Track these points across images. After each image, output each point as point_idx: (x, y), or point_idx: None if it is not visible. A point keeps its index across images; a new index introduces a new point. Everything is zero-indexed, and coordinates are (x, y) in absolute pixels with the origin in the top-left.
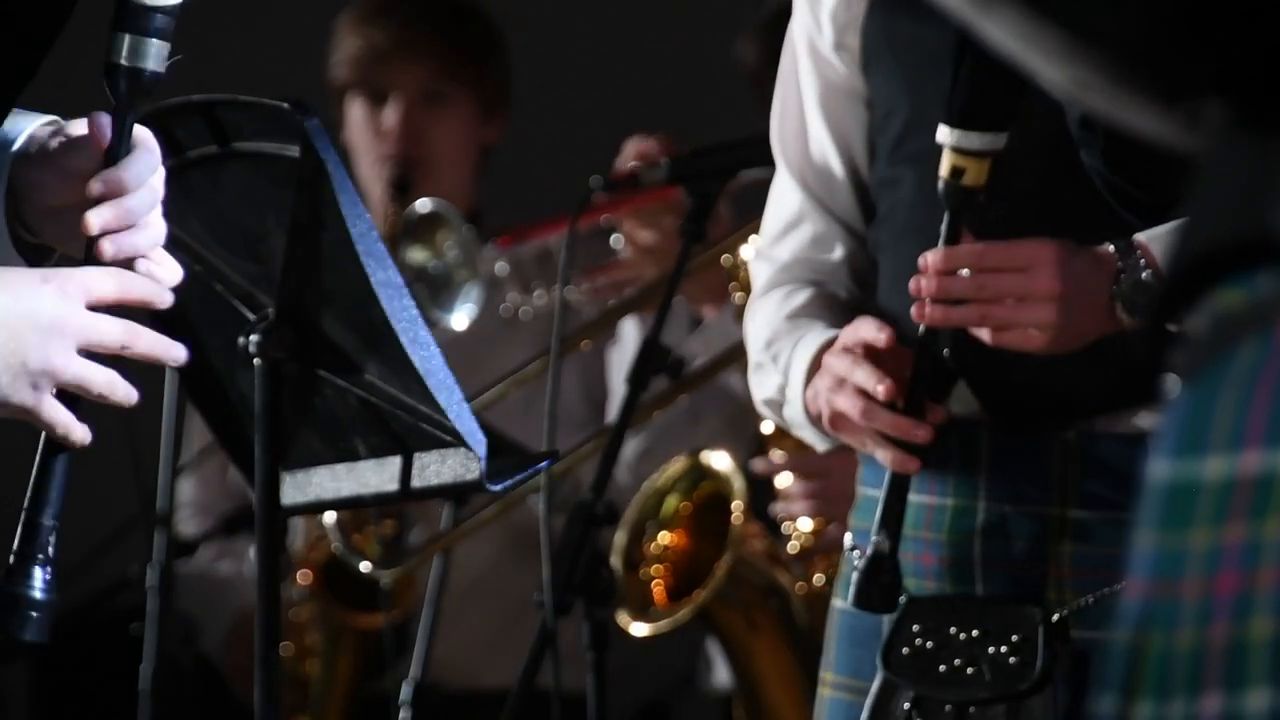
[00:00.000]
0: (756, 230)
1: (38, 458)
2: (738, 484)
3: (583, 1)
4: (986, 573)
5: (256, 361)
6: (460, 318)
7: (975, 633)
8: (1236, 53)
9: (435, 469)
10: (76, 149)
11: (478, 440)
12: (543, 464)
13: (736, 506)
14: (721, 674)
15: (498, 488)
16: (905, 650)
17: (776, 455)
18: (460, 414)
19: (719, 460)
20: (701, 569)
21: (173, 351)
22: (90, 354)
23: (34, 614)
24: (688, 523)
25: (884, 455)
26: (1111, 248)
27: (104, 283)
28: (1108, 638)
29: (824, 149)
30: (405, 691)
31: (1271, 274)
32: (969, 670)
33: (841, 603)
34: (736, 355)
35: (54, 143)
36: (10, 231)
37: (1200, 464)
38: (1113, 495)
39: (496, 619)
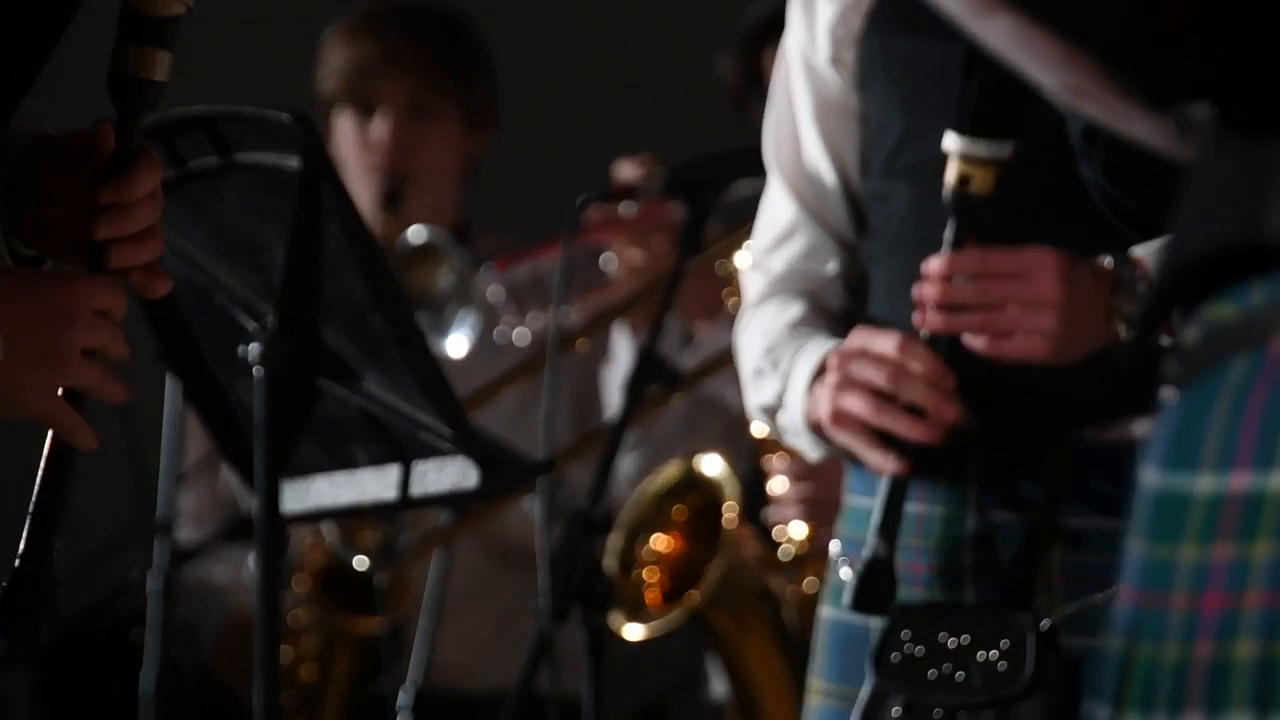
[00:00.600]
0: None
1: (43, 462)
2: (731, 488)
3: (571, 19)
4: (976, 580)
5: (257, 370)
6: (455, 343)
7: (965, 639)
8: (1223, 60)
9: (434, 477)
10: (79, 159)
11: (475, 449)
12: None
13: (729, 509)
14: (720, 686)
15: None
16: (895, 656)
17: (773, 462)
18: (457, 422)
19: (713, 464)
20: (695, 572)
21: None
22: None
23: (38, 618)
24: (682, 526)
25: (873, 457)
26: (1109, 261)
27: (105, 292)
28: (1097, 645)
29: (817, 162)
30: (403, 695)
31: (1263, 286)
32: (958, 676)
33: (830, 611)
34: (730, 360)
35: (53, 152)
36: (4, 241)
37: (1191, 479)
38: (1103, 504)
39: (491, 624)
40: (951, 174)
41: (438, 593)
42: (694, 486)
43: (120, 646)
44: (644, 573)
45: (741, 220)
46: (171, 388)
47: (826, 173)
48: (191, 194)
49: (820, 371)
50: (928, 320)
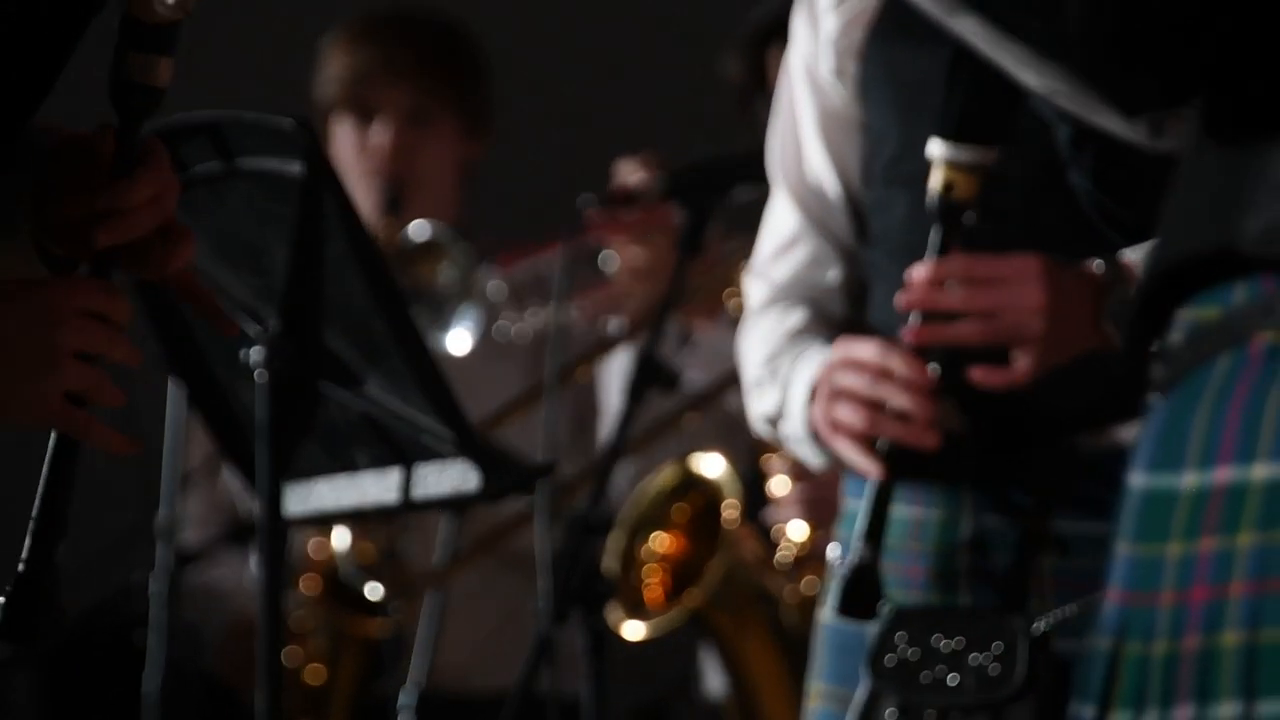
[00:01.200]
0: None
1: (45, 466)
2: (731, 488)
3: (572, 21)
4: (971, 584)
5: (259, 374)
6: (455, 340)
7: (958, 642)
8: (1199, 71)
9: (435, 480)
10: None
11: (476, 452)
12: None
13: (729, 508)
14: (715, 682)
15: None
16: (890, 659)
17: (773, 463)
18: (459, 426)
19: (713, 464)
20: (695, 572)
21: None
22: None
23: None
24: (682, 526)
25: (864, 464)
26: (1097, 264)
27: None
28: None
29: (820, 172)
30: (406, 696)
31: (1244, 288)
32: (951, 679)
33: (829, 614)
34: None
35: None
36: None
37: (1175, 478)
38: (1095, 508)
39: (493, 625)
40: (936, 180)
41: (439, 595)
42: (694, 486)
43: (124, 649)
44: (644, 572)
45: (741, 224)
46: (174, 392)
47: (829, 183)
48: (194, 199)
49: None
50: (915, 334)
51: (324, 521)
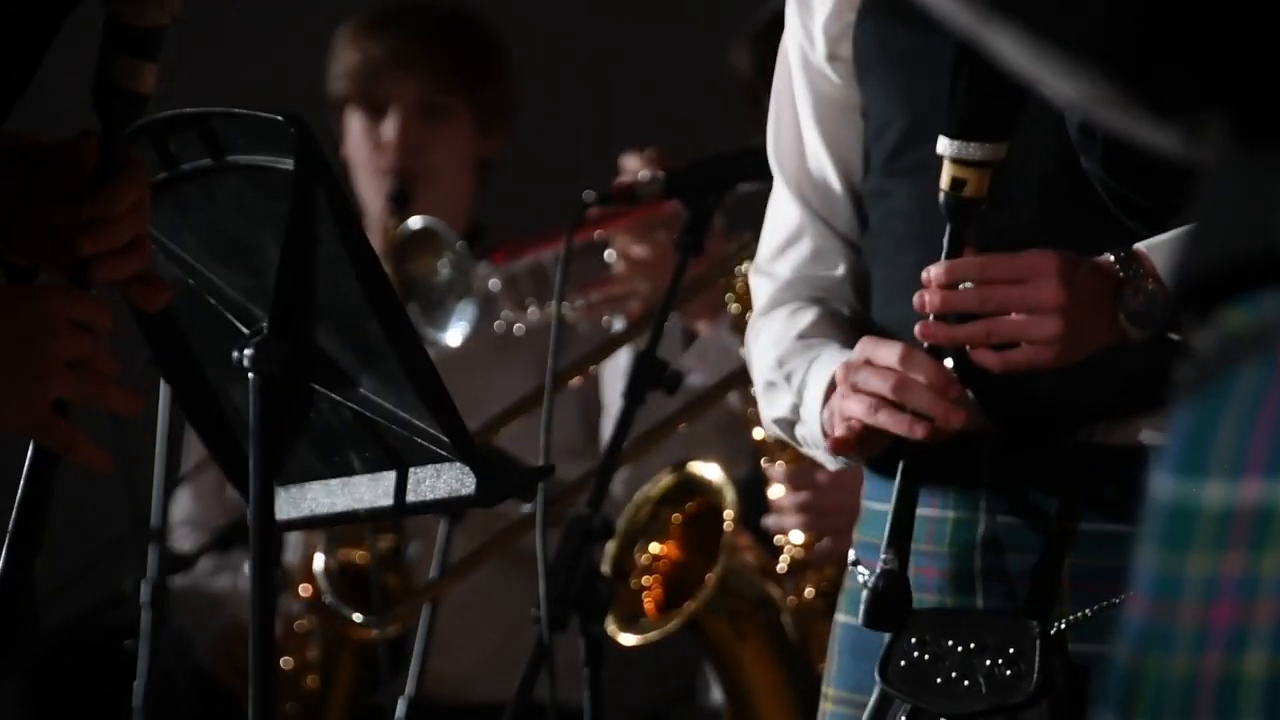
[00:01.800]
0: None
1: (23, 478)
2: (728, 495)
3: (577, 14)
4: (987, 585)
5: (251, 375)
6: (454, 335)
7: (972, 645)
8: (1232, 69)
9: (430, 484)
10: (64, 169)
11: (472, 455)
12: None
13: (727, 517)
14: (717, 690)
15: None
16: (902, 663)
17: (773, 468)
18: (454, 428)
19: (710, 471)
20: (692, 580)
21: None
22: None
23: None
24: (678, 534)
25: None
26: (1112, 258)
27: (85, 304)
28: (1106, 652)
29: (821, 163)
30: (400, 708)
31: (1275, 294)
32: (965, 683)
33: (844, 617)
34: (738, 378)
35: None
36: None
37: (1201, 486)
38: (1114, 508)
39: (499, 634)
40: (945, 178)
41: (434, 606)
42: (691, 493)
43: (113, 656)
44: (641, 580)
45: (743, 222)
46: (165, 394)
47: (830, 173)
48: (184, 196)
49: (834, 386)
50: (929, 333)
51: (317, 526)
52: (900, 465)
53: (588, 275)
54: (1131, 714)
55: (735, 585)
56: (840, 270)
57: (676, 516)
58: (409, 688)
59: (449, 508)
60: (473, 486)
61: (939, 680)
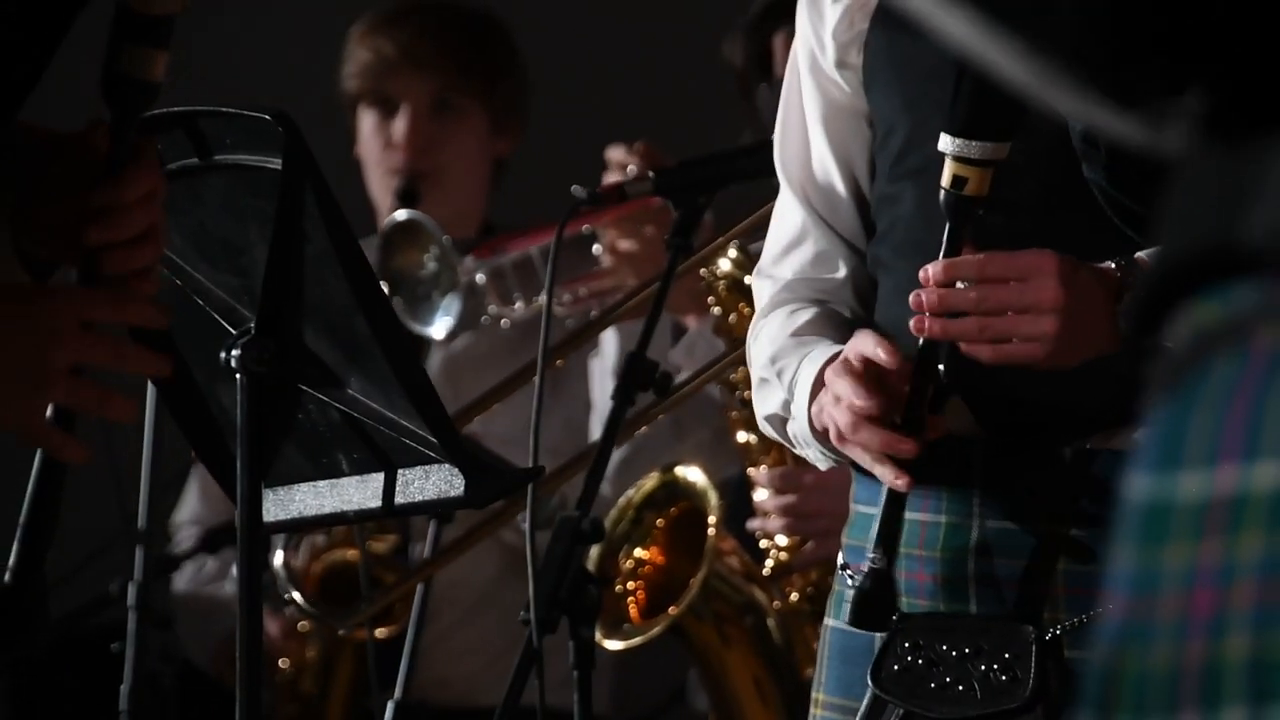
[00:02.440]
0: (735, 241)
1: (34, 475)
2: (713, 500)
3: (578, 13)
4: (980, 590)
5: (238, 376)
6: (438, 329)
7: (966, 650)
8: (1203, 59)
9: (419, 485)
10: (77, 160)
11: (461, 456)
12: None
13: (711, 521)
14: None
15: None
16: (895, 667)
17: (758, 472)
18: (443, 430)
19: (694, 476)
20: (676, 585)
21: (159, 365)
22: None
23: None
24: (662, 538)
25: (880, 471)
26: (1114, 265)
27: (99, 303)
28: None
29: (826, 167)
30: (389, 712)
31: (1246, 287)
32: (959, 688)
33: (833, 621)
34: (721, 370)
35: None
36: (17, 246)
37: (1176, 480)
38: (1108, 513)
39: (498, 637)
40: (946, 176)
41: (423, 611)
42: (676, 498)
43: (101, 659)
44: (626, 585)
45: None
46: (151, 395)
47: (835, 177)
48: (171, 196)
49: (822, 382)
50: (925, 327)
51: (306, 528)
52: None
53: (575, 268)
54: (1111, 712)
55: (720, 589)
56: (841, 273)
57: (660, 521)
58: (397, 691)
59: (438, 509)
60: (461, 488)
61: (933, 685)
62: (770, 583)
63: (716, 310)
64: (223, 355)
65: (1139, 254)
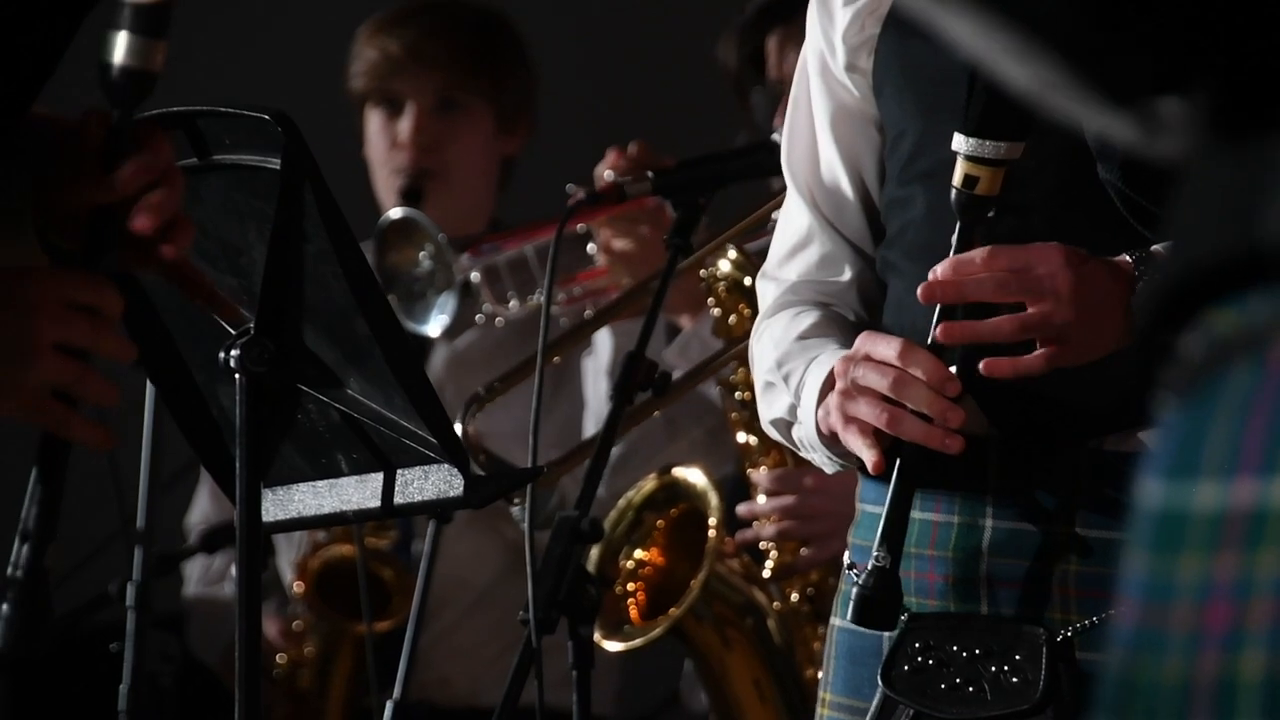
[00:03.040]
0: (733, 241)
1: (35, 467)
2: (713, 500)
3: (571, 11)
4: (992, 591)
5: (237, 376)
6: (433, 327)
7: (977, 651)
8: (1209, 55)
9: (418, 485)
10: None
11: (460, 456)
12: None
13: (712, 523)
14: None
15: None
16: (906, 668)
17: (757, 473)
18: (442, 430)
19: (694, 477)
20: (676, 586)
21: (129, 351)
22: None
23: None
24: (662, 539)
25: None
26: (1129, 258)
27: (82, 286)
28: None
29: (834, 170)
30: (387, 712)
31: (1263, 294)
32: (969, 689)
33: (840, 621)
34: (713, 368)
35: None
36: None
37: (1192, 489)
38: (1121, 515)
39: (498, 637)
40: (958, 176)
41: (421, 611)
42: (676, 499)
43: (100, 659)
44: (626, 586)
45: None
46: (151, 395)
47: (843, 180)
48: None
49: (830, 382)
50: (950, 332)
51: (305, 528)
52: (898, 463)
53: (570, 265)
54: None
55: (720, 591)
56: (846, 276)
57: (660, 522)
58: (396, 691)
59: (437, 509)
60: (460, 488)
61: (943, 686)
62: (771, 584)
63: (716, 311)
64: (222, 356)
65: (1154, 246)
